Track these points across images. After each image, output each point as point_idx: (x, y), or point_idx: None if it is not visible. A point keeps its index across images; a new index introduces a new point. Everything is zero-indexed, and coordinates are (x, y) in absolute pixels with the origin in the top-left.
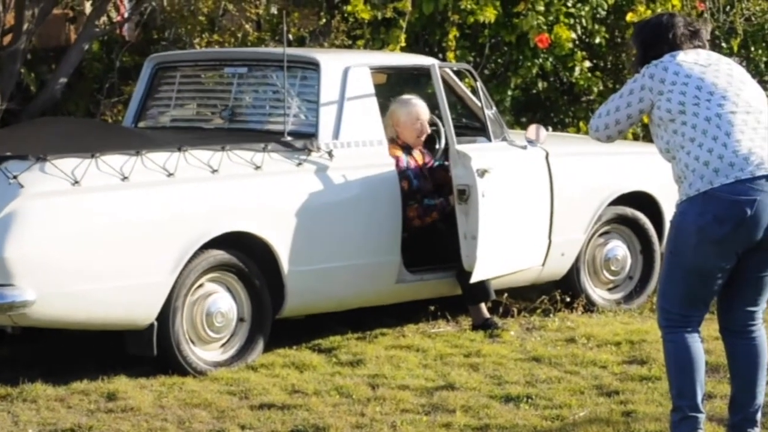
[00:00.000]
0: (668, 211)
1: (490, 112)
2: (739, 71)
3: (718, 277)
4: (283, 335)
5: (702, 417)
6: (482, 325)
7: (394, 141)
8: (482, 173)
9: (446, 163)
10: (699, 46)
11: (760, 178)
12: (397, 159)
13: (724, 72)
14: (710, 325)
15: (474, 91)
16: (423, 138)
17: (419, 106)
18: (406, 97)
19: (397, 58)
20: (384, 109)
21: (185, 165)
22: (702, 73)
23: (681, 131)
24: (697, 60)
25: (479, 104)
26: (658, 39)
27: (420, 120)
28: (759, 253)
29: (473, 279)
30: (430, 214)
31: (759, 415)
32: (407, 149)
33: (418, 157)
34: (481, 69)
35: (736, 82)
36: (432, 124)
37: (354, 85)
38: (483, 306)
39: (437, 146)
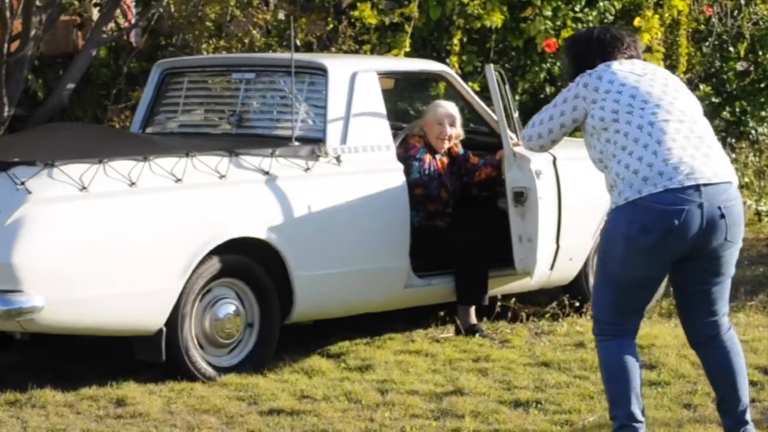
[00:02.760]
0: None
1: (515, 116)
2: (675, 81)
3: (649, 287)
4: (292, 341)
5: (640, 426)
6: (468, 330)
7: (421, 136)
8: (538, 175)
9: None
10: (633, 56)
11: (689, 188)
12: (414, 147)
13: (659, 81)
14: None
15: (501, 96)
16: (445, 143)
17: (445, 111)
18: (442, 101)
19: (404, 63)
20: (391, 114)
21: (193, 170)
22: (637, 82)
23: (613, 140)
24: (632, 69)
25: (487, 109)
26: (591, 52)
27: (442, 123)
28: (698, 263)
29: (533, 281)
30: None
31: (748, 414)
32: (430, 148)
33: (441, 161)
34: (482, 75)
35: (671, 91)
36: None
37: (362, 91)
38: (473, 310)
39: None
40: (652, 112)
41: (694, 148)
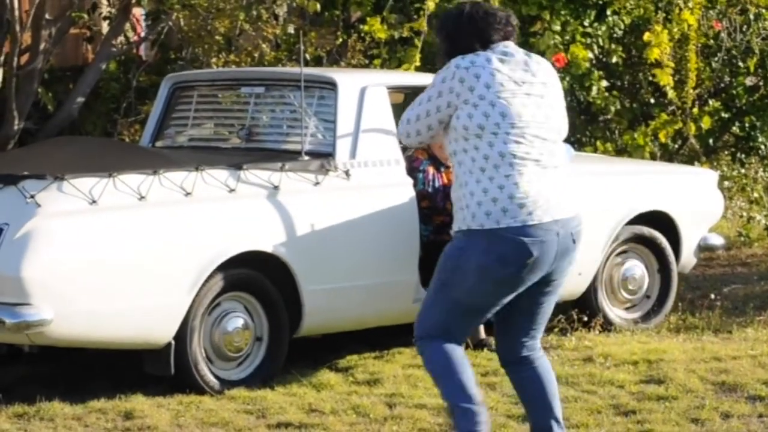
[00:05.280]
0: (685, 231)
1: None
2: (552, 87)
3: (487, 313)
4: (301, 354)
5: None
6: (476, 345)
7: (425, 149)
8: None
9: None
10: (509, 34)
11: (547, 222)
12: (417, 159)
13: (536, 93)
14: (728, 345)
15: None
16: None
17: None
18: None
19: (414, 77)
20: None
21: (203, 184)
22: (512, 95)
23: (472, 155)
24: (511, 74)
25: None
26: (465, 31)
27: None
28: (541, 286)
29: None
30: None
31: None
32: (435, 160)
33: (445, 173)
34: None
35: (545, 108)
36: None
37: (371, 105)
38: (481, 326)
39: None
40: (516, 141)
41: (553, 179)
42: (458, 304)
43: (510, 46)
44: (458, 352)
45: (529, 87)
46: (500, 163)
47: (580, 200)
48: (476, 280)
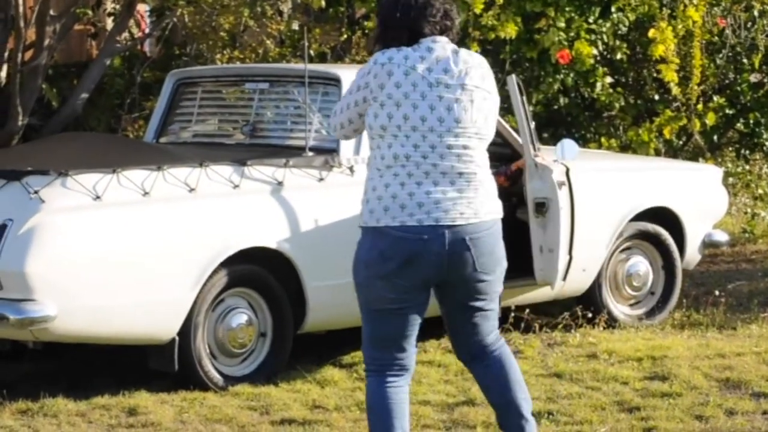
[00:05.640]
0: (690, 227)
1: (532, 126)
2: (476, 94)
3: (402, 314)
4: (305, 350)
5: None
6: None
7: None
8: (560, 186)
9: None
10: (446, 28)
11: (429, 226)
12: None
13: (451, 96)
14: (733, 342)
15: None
16: None
17: None
18: None
19: None
20: None
21: (206, 180)
22: (421, 98)
23: (374, 154)
24: (427, 75)
25: (500, 120)
26: (398, 19)
27: None
28: (454, 291)
29: (554, 291)
30: None
31: (531, 428)
32: None
33: None
34: (502, 85)
35: (459, 111)
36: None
37: None
38: None
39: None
40: (415, 144)
41: (457, 184)
42: (367, 309)
43: (439, 42)
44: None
45: (444, 89)
46: (392, 164)
47: (498, 206)
48: (365, 276)
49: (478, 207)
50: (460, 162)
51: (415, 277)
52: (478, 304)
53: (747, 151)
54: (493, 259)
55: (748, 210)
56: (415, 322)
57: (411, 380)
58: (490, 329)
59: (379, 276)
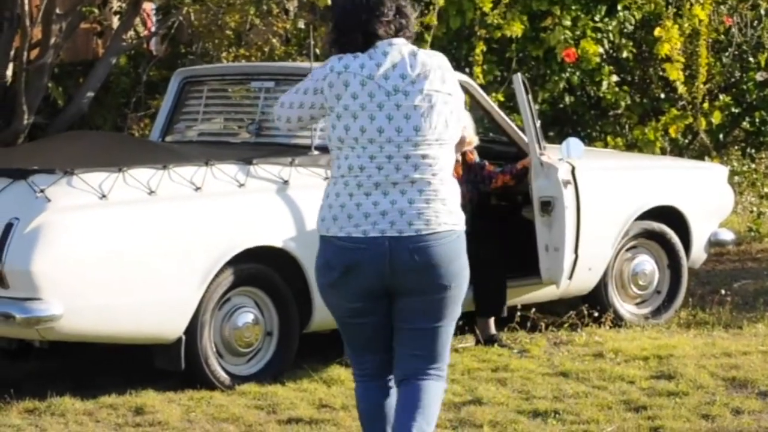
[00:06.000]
0: (696, 226)
1: (538, 125)
2: (436, 98)
3: (358, 322)
4: (311, 349)
5: None
6: (487, 340)
7: None
8: (565, 184)
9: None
10: (401, 27)
11: (375, 237)
12: None
13: (409, 104)
14: (739, 340)
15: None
16: (456, 147)
17: None
18: None
19: None
20: None
21: (212, 179)
22: (379, 106)
23: (333, 162)
24: (384, 84)
25: (506, 119)
26: (350, 22)
27: None
28: (405, 301)
29: (559, 290)
30: None
31: None
32: None
33: (454, 169)
34: (508, 83)
35: (417, 119)
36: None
37: None
38: (492, 320)
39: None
40: (371, 155)
41: (399, 194)
42: (332, 314)
43: (396, 45)
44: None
45: (402, 97)
46: (346, 174)
47: (456, 218)
48: (318, 284)
49: (431, 218)
50: (416, 172)
51: (358, 286)
52: (423, 324)
53: (753, 150)
54: (446, 273)
55: (754, 209)
56: (380, 329)
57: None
58: (435, 356)
59: (327, 284)
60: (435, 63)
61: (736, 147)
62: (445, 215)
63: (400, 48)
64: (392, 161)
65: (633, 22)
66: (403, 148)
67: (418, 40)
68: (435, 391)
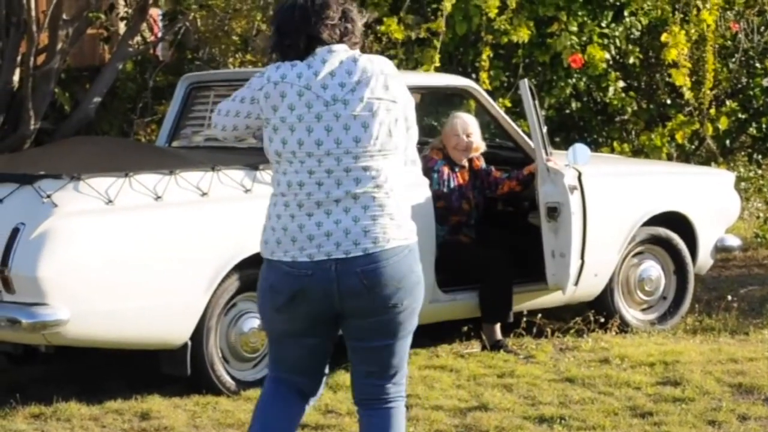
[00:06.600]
0: (702, 232)
1: (544, 130)
2: (378, 106)
3: (298, 344)
4: None
5: None
6: (493, 346)
7: (440, 149)
8: (571, 190)
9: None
10: (346, 31)
11: (322, 260)
12: (432, 159)
13: (348, 114)
14: (745, 347)
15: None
16: (463, 153)
17: (461, 121)
18: (460, 113)
19: (430, 77)
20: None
21: (219, 185)
22: (317, 118)
23: (273, 176)
24: (321, 93)
25: (512, 124)
26: (294, 24)
27: (458, 134)
28: (355, 322)
29: (566, 296)
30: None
31: None
32: (449, 160)
33: (460, 174)
34: (514, 89)
35: (358, 130)
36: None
37: None
38: (498, 326)
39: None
40: (310, 170)
41: (343, 212)
42: (268, 330)
43: (336, 51)
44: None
45: (341, 107)
46: (286, 192)
47: (406, 231)
48: (261, 304)
49: (378, 235)
50: (358, 186)
51: (305, 312)
52: (377, 342)
53: (759, 156)
54: (398, 292)
55: (761, 214)
56: (320, 353)
57: (423, 385)
58: (392, 372)
59: (272, 309)
60: (377, 68)
61: (742, 153)
62: (394, 230)
63: (340, 54)
64: (332, 176)
65: (639, 27)
66: (343, 161)
67: (424, 45)
68: (400, 417)
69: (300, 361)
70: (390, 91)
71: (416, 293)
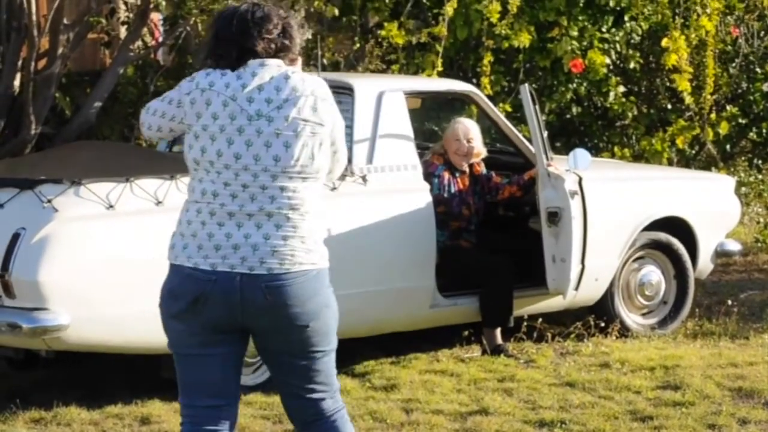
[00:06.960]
0: (702, 237)
1: (545, 135)
2: (303, 128)
3: (203, 360)
4: None
5: None
6: (493, 350)
7: (441, 154)
8: (572, 195)
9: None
10: (283, 47)
11: (225, 272)
12: (433, 165)
13: (271, 131)
14: (745, 351)
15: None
16: (463, 159)
17: (462, 126)
18: (461, 118)
19: (431, 82)
20: (418, 134)
21: None
22: (239, 131)
23: (189, 183)
24: (246, 107)
25: (513, 129)
26: (231, 32)
27: (458, 139)
28: (266, 341)
29: (566, 300)
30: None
31: None
32: (450, 166)
33: (461, 179)
34: (515, 94)
35: (279, 148)
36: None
37: (388, 110)
38: (498, 331)
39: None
40: (225, 182)
41: (254, 228)
42: (171, 350)
43: (268, 66)
44: None
45: (264, 123)
46: (199, 200)
47: (316, 256)
48: (161, 314)
49: (285, 257)
50: (273, 205)
51: (205, 319)
52: (294, 360)
53: (760, 161)
54: (302, 312)
55: (761, 219)
56: (228, 369)
57: (424, 389)
58: (321, 389)
59: (171, 315)
60: (308, 89)
61: (743, 158)
62: (303, 254)
63: (271, 69)
64: (247, 191)
65: (640, 32)
66: (260, 177)
67: (425, 50)
68: (347, 425)
69: (211, 377)
70: (318, 113)
71: (324, 316)
